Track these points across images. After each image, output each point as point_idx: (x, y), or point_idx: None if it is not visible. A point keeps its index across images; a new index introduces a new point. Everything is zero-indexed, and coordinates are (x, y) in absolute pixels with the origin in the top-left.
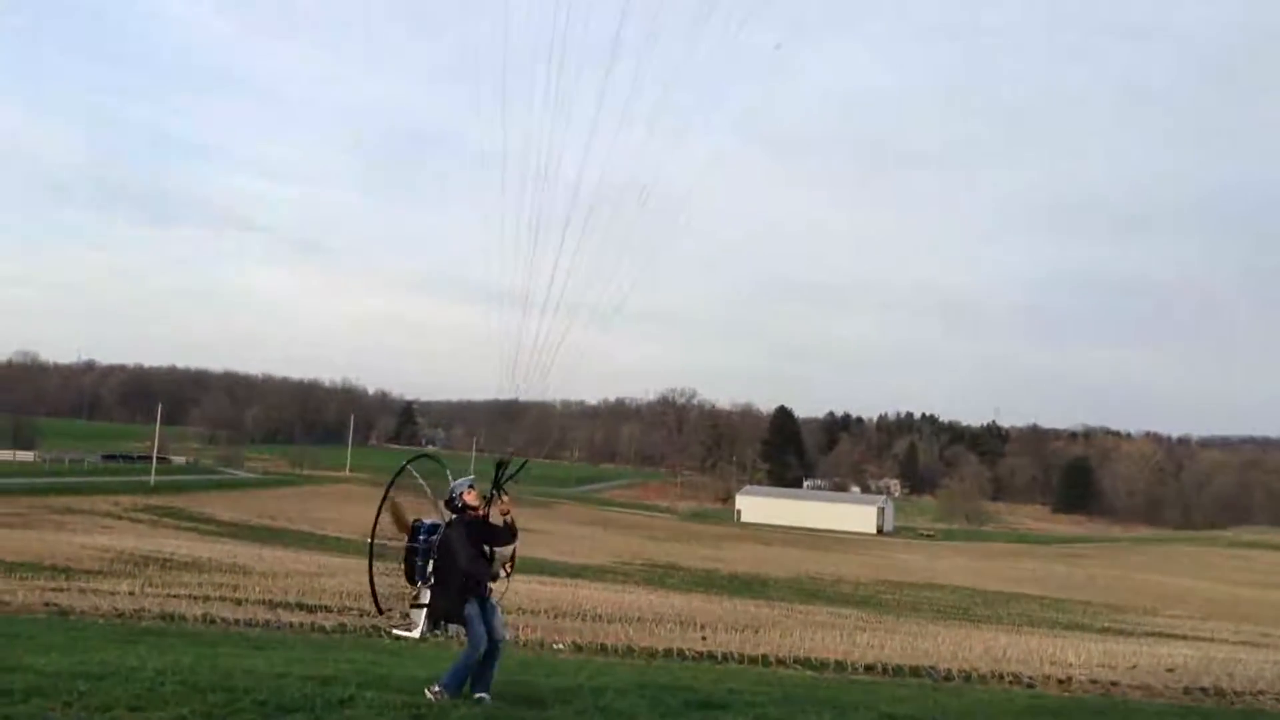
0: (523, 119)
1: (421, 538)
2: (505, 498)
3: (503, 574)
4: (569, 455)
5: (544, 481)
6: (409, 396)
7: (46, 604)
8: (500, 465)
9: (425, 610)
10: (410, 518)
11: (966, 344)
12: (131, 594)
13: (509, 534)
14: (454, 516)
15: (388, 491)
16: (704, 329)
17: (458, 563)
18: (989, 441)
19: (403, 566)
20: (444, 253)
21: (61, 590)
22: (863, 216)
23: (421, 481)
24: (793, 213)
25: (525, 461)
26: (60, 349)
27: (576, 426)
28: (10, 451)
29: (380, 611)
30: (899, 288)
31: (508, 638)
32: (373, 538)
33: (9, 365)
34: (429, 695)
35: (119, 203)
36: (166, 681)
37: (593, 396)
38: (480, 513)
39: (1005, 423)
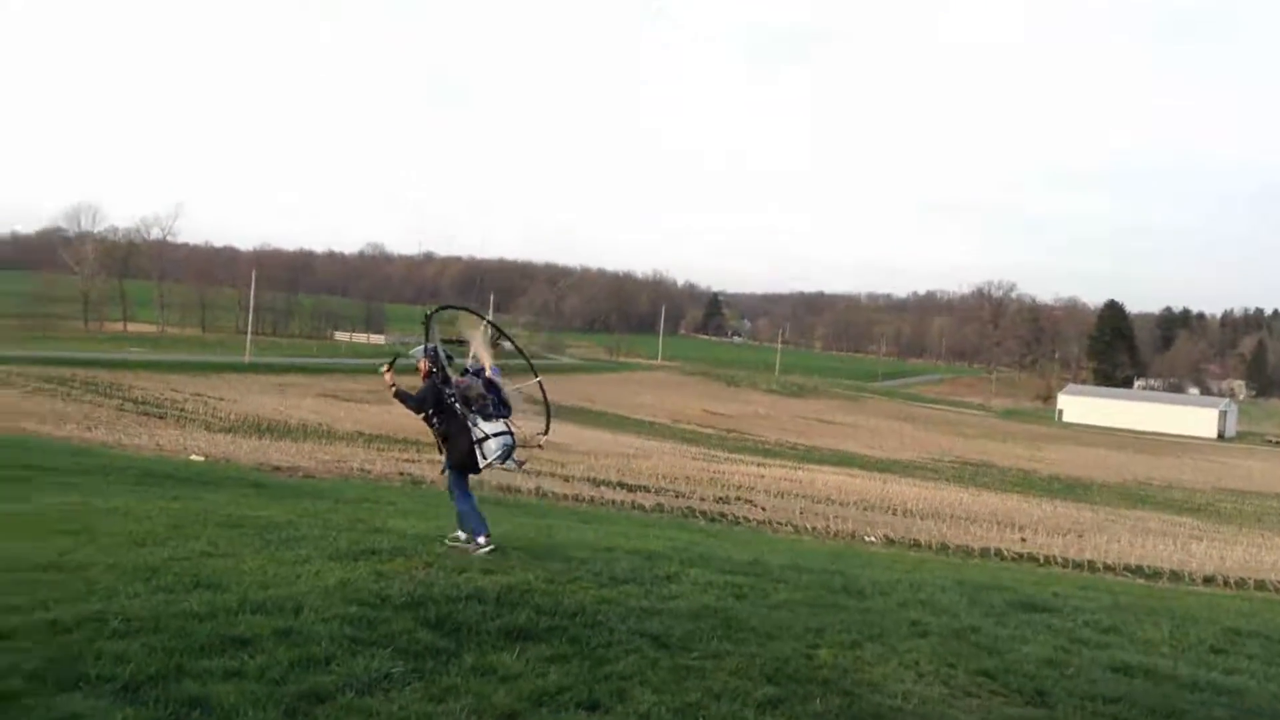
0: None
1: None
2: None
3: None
4: (876, 349)
5: (849, 375)
6: (715, 288)
7: (401, 473)
8: (428, 318)
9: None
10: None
11: None
12: None
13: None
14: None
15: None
16: (1026, 219)
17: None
18: None
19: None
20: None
21: (413, 461)
22: (1208, 92)
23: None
24: (1129, 90)
25: (434, 311)
26: (403, 241)
27: (883, 320)
28: (364, 334)
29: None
30: (1252, 170)
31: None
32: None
33: (360, 256)
34: (481, 553)
35: (453, 106)
36: (511, 549)
37: (901, 289)
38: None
39: None
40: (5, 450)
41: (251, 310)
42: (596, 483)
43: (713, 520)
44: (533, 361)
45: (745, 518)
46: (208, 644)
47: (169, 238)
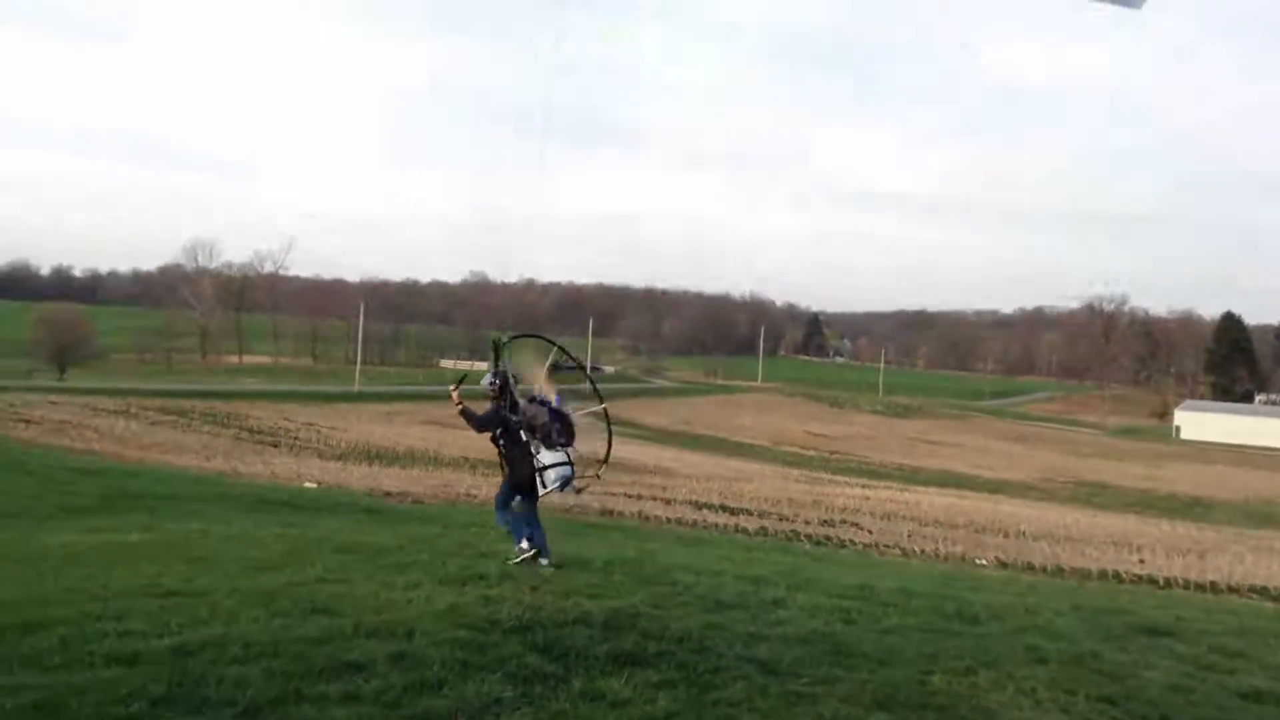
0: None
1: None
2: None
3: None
4: (982, 367)
5: (955, 394)
6: (815, 308)
7: None
8: (495, 345)
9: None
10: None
11: None
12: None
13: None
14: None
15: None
16: (1136, 227)
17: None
18: None
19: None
20: (846, 163)
21: None
22: None
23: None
24: (1237, 92)
25: (509, 339)
26: (501, 269)
27: (989, 337)
28: (469, 361)
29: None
30: None
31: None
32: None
33: (464, 285)
34: (526, 558)
35: (549, 131)
36: (616, 572)
37: (1007, 304)
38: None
39: None
40: (130, 480)
41: (360, 341)
42: (699, 506)
43: (818, 544)
44: (624, 385)
45: (851, 541)
46: (324, 668)
47: (281, 271)
